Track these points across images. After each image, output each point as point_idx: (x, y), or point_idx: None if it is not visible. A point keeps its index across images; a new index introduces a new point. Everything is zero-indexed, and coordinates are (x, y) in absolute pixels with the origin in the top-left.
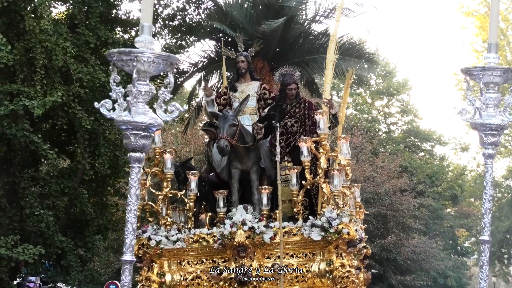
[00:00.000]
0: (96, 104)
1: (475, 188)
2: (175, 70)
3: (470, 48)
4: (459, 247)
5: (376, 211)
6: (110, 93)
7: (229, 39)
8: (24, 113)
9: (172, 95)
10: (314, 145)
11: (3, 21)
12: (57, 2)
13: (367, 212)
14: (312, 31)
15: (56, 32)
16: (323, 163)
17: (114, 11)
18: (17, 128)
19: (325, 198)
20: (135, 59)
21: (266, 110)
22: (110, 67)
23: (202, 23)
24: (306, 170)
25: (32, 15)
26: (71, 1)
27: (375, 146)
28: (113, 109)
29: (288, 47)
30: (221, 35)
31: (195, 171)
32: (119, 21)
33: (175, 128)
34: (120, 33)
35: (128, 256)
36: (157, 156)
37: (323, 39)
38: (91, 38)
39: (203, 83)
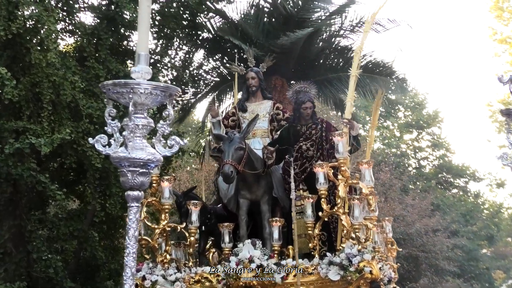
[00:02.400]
0: (90, 140)
1: None
2: (174, 101)
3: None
4: None
5: (407, 252)
6: (106, 128)
7: (244, 55)
8: (30, 151)
9: (171, 129)
10: (332, 171)
11: (7, 55)
12: (64, 34)
13: (400, 250)
14: (337, 47)
15: (64, 66)
16: (341, 191)
17: (125, 42)
18: (23, 167)
19: (345, 231)
20: (131, 91)
21: (278, 132)
22: (105, 100)
23: (211, 35)
24: (323, 200)
25: (39, 48)
26: (79, 33)
27: (405, 183)
28: (109, 144)
29: (309, 64)
30: (235, 50)
31: (196, 201)
32: (130, 53)
33: (190, 165)
34: (132, 65)
35: None
36: (154, 184)
37: (349, 55)
38: (101, 71)
39: (209, 102)
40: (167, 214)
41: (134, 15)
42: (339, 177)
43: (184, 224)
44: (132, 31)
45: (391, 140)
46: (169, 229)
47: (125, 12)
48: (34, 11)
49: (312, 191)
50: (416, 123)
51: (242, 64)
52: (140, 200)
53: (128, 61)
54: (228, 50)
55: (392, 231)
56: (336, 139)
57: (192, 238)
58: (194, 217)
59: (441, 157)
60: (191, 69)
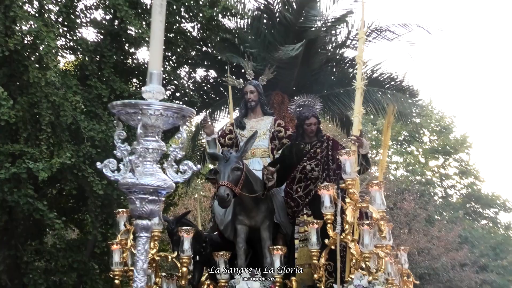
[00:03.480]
0: (98, 164)
1: None
2: (187, 124)
3: None
4: None
5: None
6: (115, 151)
7: (242, 70)
8: (27, 177)
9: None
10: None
11: (4, 72)
12: (65, 51)
13: (417, 283)
14: (343, 58)
15: (64, 85)
16: (349, 216)
17: (130, 60)
18: (20, 194)
19: (354, 261)
20: (141, 112)
21: (280, 151)
22: (114, 122)
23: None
24: (329, 226)
25: (37, 66)
26: (81, 50)
27: (430, 213)
28: (118, 169)
29: (313, 78)
30: (233, 62)
31: (189, 228)
32: (136, 72)
33: (198, 192)
34: (137, 85)
35: None
36: None
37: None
38: (104, 91)
39: (202, 119)
40: (156, 242)
41: (140, 31)
42: (347, 200)
43: (175, 253)
44: (138, 48)
45: (416, 166)
46: (159, 258)
47: (130, 27)
48: (33, 26)
49: (317, 216)
50: (442, 148)
51: (237, 77)
52: (150, 230)
53: (133, 80)
54: (223, 62)
55: (417, 265)
56: (343, 158)
57: (184, 269)
58: (187, 245)
59: (470, 185)
60: (190, 85)
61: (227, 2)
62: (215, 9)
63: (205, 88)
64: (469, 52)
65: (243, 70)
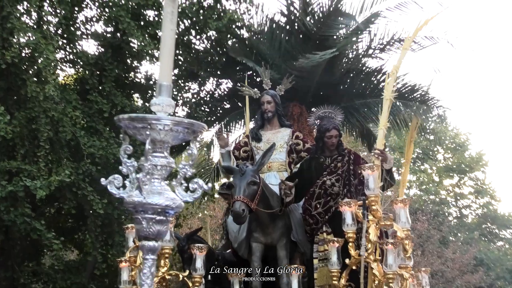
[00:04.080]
0: (103, 181)
1: None
2: (198, 139)
3: None
4: None
5: None
6: (120, 167)
7: (258, 79)
8: (24, 195)
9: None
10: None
11: (0, 87)
12: (64, 64)
13: None
14: (364, 68)
15: (64, 100)
16: (372, 234)
17: (132, 74)
18: (17, 213)
19: (376, 282)
20: (149, 126)
21: (298, 165)
22: (121, 136)
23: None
24: (351, 244)
25: (35, 79)
26: (81, 63)
27: (444, 234)
28: (124, 186)
29: (332, 89)
30: (248, 72)
31: (202, 245)
32: (138, 86)
33: (202, 211)
34: (140, 100)
35: None
36: None
37: (379, 77)
38: (105, 106)
39: (217, 129)
40: (167, 260)
41: (143, 44)
42: (370, 217)
43: (187, 272)
44: (141, 62)
45: (429, 185)
46: (169, 277)
47: (133, 40)
48: (31, 39)
49: (338, 234)
50: (457, 166)
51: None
52: (157, 252)
53: (136, 95)
54: (239, 72)
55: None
56: (366, 173)
57: None
58: (199, 263)
59: (485, 205)
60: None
61: (234, 15)
62: (222, 21)
63: (218, 98)
64: (486, 66)
65: (258, 79)
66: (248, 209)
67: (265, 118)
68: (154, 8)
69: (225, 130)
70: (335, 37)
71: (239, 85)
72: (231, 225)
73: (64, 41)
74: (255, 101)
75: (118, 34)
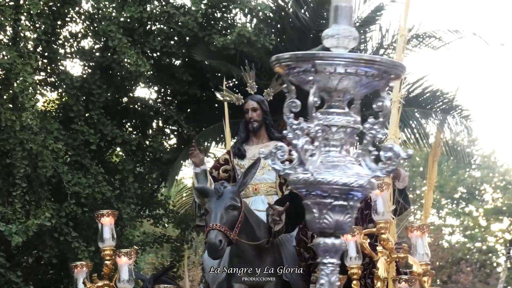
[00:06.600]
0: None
1: None
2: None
3: None
4: None
5: None
6: (284, 132)
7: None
8: None
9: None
10: (369, 240)
11: None
12: (45, 88)
13: None
14: None
15: (44, 129)
16: (381, 269)
17: (125, 99)
18: None
19: None
20: (313, 69)
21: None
22: (284, 85)
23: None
24: (355, 283)
25: (11, 106)
26: (64, 86)
27: None
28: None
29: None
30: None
31: (169, 287)
32: (131, 113)
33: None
34: (132, 130)
35: None
36: (107, 262)
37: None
38: (92, 137)
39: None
40: None
41: (137, 63)
42: (379, 249)
43: None
44: (134, 85)
45: (475, 231)
46: None
47: (125, 59)
48: (5, 58)
49: (340, 269)
50: (507, 208)
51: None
52: (339, 252)
53: (127, 124)
54: (217, 74)
55: None
56: (373, 195)
57: None
58: None
59: None
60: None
61: (243, 29)
62: (228, 37)
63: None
64: None
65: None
66: (227, 240)
67: (249, 129)
68: (150, 22)
69: (200, 145)
70: None
71: (218, 88)
72: (208, 261)
73: (45, 60)
74: (238, 108)
75: (108, 53)
